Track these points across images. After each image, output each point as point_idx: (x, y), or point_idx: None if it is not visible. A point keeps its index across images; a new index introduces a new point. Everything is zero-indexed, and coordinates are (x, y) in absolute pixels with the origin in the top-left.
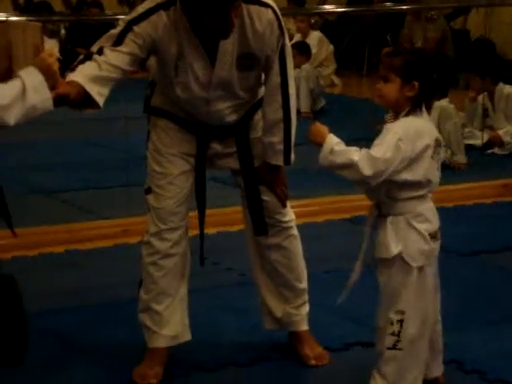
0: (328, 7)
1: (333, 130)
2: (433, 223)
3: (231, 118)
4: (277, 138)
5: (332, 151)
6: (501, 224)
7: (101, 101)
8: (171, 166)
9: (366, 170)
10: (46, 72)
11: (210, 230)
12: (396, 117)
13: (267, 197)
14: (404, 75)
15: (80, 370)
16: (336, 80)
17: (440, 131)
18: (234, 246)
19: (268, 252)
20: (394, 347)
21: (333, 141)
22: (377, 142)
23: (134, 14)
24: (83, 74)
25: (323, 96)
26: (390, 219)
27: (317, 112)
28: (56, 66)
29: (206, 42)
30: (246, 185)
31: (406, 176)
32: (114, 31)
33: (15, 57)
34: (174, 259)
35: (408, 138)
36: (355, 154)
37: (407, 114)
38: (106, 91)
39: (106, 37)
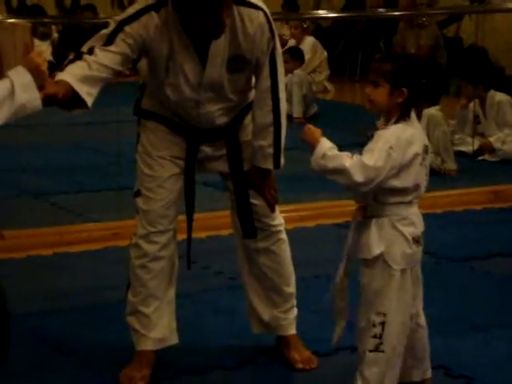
0: (321, 12)
1: (325, 136)
2: (417, 227)
3: (221, 120)
4: (266, 142)
5: (324, 156)
6: (490, 230)
7: (89, 101)
8: (161, 169)
9: (357, 177)
10: (34, 72)
11: (199, 234)
12: (386, 122)
13: (256, 200)
14: (393, 81)
15: (67, 372)
16: (329, 86)
17: (429, 138)
18: (224, 250)
19: (257, 256)
20: (376, 349)
21: (326, 145)
22: (368, 147)
23: (124, 15)
24: (72, 74)
25: (316, 102)
26: (374, 221)
27: (309, 118)
28: (44, 66)
29: (197, 43)
30: (236, 188)
31: (395, 183)
32: (105, 31)
33: (5, 57)
34: (162, 262)
35: (399, 147)
36: (347, 160)
37: (397, 121)
38: (95, 91)
39: (96, 37)
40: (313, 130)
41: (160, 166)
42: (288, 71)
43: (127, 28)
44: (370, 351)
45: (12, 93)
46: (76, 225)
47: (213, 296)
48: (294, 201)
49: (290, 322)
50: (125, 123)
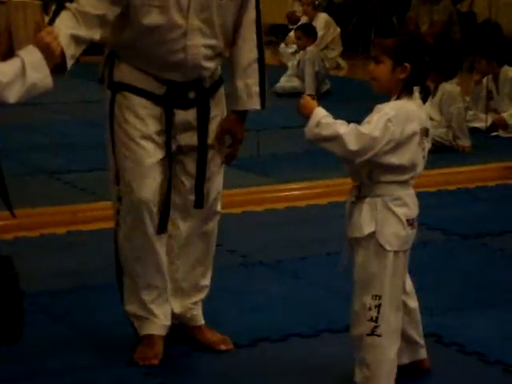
0: None
1: (338, 113)
2: (411, 209)
3: (206, 65)
4: (252, 80)
5: (319, 124)
6: (504, 206)
7: (70, 64)
8: (145, 154)
9: (352, 145)
10: (45, 50)
11: None
12: (389, 99)
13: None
14: (395, 57)
15: (80, 350)
16: (342, 62)
17: (443, 113)
18: (237, 228)
19: (196, 240)
20: (372, 333)
21: (320, 113)
22: (366, 119)
23: None
24: (63, 33)
25: (329, 78)
26: (367, 200)
27: (322, 94)
28: (55, 44)
29: None
30: (199, 160)
31: (392, 159)
32: None
33: (16, 36)
34: (155, 252)
35: (398, 120)
36: (342, 128)
37: (399, 97)
38: (77, 53)
39: None
40: (308, 100)
41: (144, 151)
42: (300, 48)
43: None
44: (368, 335)
45: (23, 72)
46: (89, 203)
47: (225, 274)
48: (307, 178)
49: (200, 313)
50: None
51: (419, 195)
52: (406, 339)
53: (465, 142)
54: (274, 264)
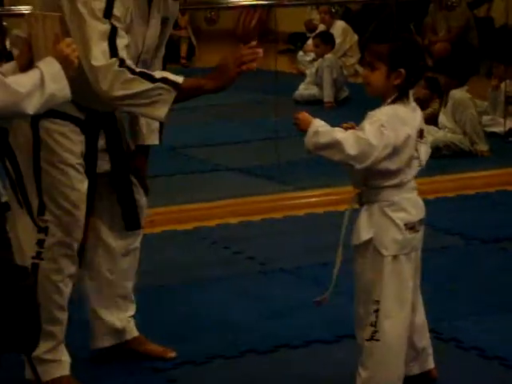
0: None
1: (356, 119)
2: (411, 214)
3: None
4: None
5: (316, 133)
6: None
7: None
8: (80, 179)
9: (351, 150)
10: (63, 61)
11: (231, 220)
12: (384, 105)
13: (138, 195)
14: (390, 63)
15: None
16: (360, 69)
17: (456, 120)
18: (256, 236)
19: (124, 257)
20: (371, 338)
21: (318, 123)
22: (359, 126)
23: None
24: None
25: (347, 86)
26: (365, 207)
27: (340, 102)
28: (74, 56)
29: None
30: (120, 180)
31: (390, 165)
32: (102, 29)
33: (36, 48)
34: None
35: (391, 125)
36: (339, 134)
37: (393, 101)
38: None
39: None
40: (304, 114)
41: (78, 174)
42: (319, 55)
43: (116, 12)
44: (367, 340)
45: (42, 83)
46: None
47: (245, 281)
48: (325, 185)
49: (134, 323)
50: None
51: (438, 200)
52: (415, 349)
53: (482, 147)
54: (294, 270)
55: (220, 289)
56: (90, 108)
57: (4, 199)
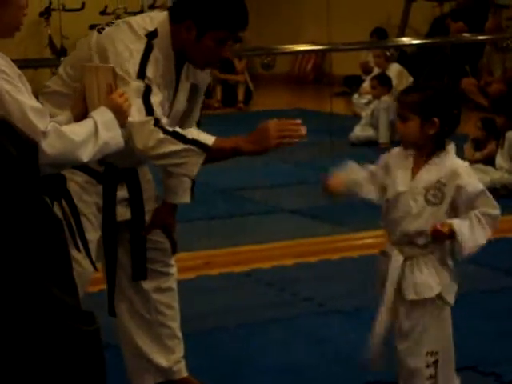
0: (405, 39)
1: None
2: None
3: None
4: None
5: (475, 240)
6: None
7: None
8: (89, 229)
9: (489, 232)
10: (116, 111)
11: (287, 261)
12: (419, 156)
13: (162, 239)
14: (422, 112)
15: None
16: None
17: None
18: (312, 277)
19: (156, 298)
20: None
21: (461, 229)
22: (475, 190)
23: (134, 63)
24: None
25: None
26: (427, 258)
27: (396, 143)
28: (127, 105)
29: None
30: (136, 229)
31: None
32: (137, 93)
33: (90, 99)
34: None
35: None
36: (488, 230)
37: (432, 153)
38: None
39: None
40: (441, 224)
41: (88, 224)
42: (375, 97)
43: (149, 74)
44: None
45: (96, 131)
46: None
47: (303, 322)
48: (380, 226)
49: (184, 364)
50: None
51: (498, 241)
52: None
53: None
54: (353, 312)
55: (278, 331)
56: (109, 162)
57: None
